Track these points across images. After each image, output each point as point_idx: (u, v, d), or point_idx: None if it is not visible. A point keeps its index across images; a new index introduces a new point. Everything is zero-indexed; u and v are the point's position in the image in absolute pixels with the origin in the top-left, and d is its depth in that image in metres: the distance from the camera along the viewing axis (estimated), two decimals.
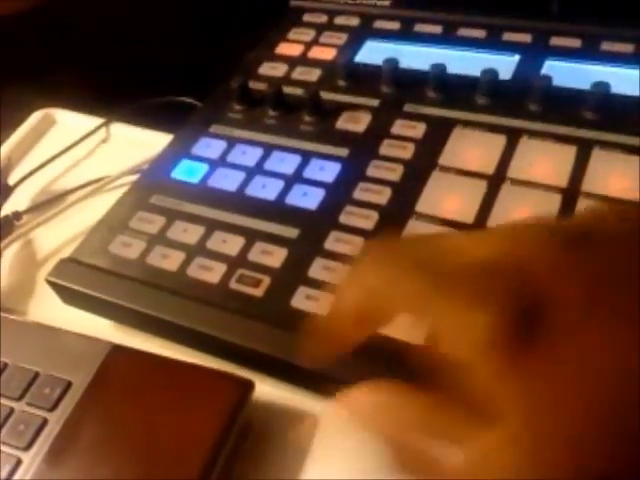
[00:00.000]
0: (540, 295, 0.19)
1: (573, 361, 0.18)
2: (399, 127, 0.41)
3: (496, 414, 0.19)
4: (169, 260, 0.37)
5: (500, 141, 0.39)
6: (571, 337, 0.18)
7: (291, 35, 0.51)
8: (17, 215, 0.48)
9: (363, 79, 0.45)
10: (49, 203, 0.49)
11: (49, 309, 0.40)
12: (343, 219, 0.37)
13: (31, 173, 0.50)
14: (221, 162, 0.42)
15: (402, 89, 0.44)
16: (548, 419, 0.18)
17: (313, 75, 0.47)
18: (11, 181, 0.49)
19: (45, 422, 0.33)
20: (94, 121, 0.54)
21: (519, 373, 0.18)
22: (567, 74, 0.42)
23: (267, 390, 0.34)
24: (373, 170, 0.39)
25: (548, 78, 0.40)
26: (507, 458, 0.18)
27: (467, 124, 0.40)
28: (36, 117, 0.56)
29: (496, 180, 0.37)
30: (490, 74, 0.41)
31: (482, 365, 0.19)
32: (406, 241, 0.24)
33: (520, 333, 0.18)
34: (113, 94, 0.56)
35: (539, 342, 0.18)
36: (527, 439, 0.18)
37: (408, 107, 0.42)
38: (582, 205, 0.34)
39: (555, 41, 0.45)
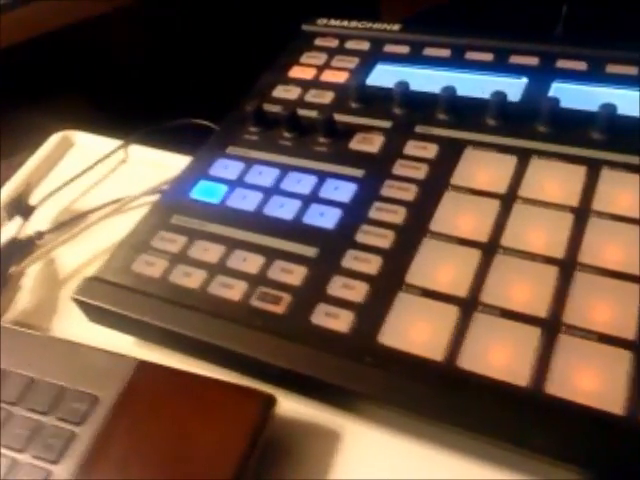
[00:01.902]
0: None
1: None
2: (411, 148, 0.43)
3: None
4: (191, 278, 0.38)
5: (511, 161, 0.40)
6: None
7: (303, 59, 0.53)
8: (39, 235, 0.49)
9: (375, 101, 0.47)
10: (70, 223, 0.50)
11: (71, 326, 0.42)
12: (360, 238, 0.38)
13: (52, 193, 0.51)
14: (239, 183, 0.43)
15: (413, 111, 0.45)
16: None
17: (326, 98, 0.48)
18: (32, 201, 0.50)
19: (74, 436, 0.34)
20: (112, 143, 0.56)
21: None
22: (574, 96, 0.43)
23: (288, 405, 0.35)
24: (388, 190, 0.40)
25: (556, 100, 0.41)
26: None
27: (478, 145, 0.42)
28: (55, 139, 0.58)
29: (508, 199, 0.38)
30: (499, 96, 0.42)
31: None
32: None
33: None
34: (129, 117, 0.57)
35: None
36: None
37: (420, 128, 0.44)
38: (593, 223, 0.36)
39: (561, 64, 0.46)
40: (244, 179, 0.44)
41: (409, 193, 0.40)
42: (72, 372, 0.37)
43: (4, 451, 0.34)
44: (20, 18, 0.65)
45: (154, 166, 0.53)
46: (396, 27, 0.53)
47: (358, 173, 0.42)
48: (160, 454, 0.33)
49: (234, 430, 0.33)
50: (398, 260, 0.36)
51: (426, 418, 0.31)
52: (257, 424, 0.33)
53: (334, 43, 0.54)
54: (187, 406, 0.35)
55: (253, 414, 0.33)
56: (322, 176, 0.42)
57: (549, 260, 0.35)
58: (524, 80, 0.46)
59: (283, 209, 0.41)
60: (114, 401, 0.35)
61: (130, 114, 0.57)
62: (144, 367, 0.37)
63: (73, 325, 0.41)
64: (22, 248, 0.48)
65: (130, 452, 0.33)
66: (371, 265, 0.37)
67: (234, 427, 0.33)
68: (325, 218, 0.40)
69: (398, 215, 0.39)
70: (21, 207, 0.50)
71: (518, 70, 0.47)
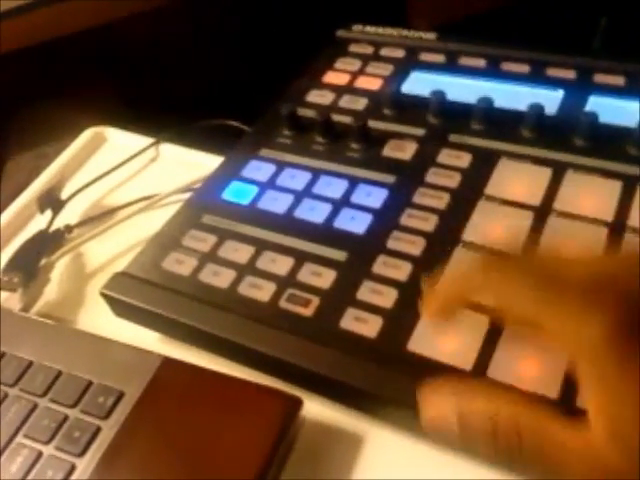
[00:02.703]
0: None
1: None
2: (445, 156, 0.43)
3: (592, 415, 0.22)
4: (220, 277, 0.38)
5: (546, 174, 0.40)
6: None
7: (338, 64, 0.53)
8: (68, 228, 0.49)
9: (409, 109, 0.47)
10: (100, 218, 0.50)
11: (98, 320, 0.42)
12: (390, 244, 0.38)
13: (83, 188, 0.52)
14: (270, 185, 0.44)
15: (448, 120, 0.45)
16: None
17: (360, 104, 0.48)
18: (63, 196, 0.51)
19: (98, 430, 0.34)
20: (144, 140, 0.56)
21: (623, 378, 0.21)
22: (611, 110, 0.43)
23: (313, 408, 0.35)
24: (420, 197, 0.40)
25: (594, 114, 0.41)
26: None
27: (513, 156, 0.41)
28: (87, 135, 0.58)
29: (542, 211, 0.38)
30: (536, 108, 0.42)
31: (591, 361, 0.22)
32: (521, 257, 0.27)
33: (629, 334, 0.21)
34: (161, 115, 0.58)
35: None
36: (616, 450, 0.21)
37: (454, 137, 0.44)
38: (628, 239, 0.35)
39: (598, 78, 0.46)
40: (276, 181, 0.44)
41: (441, 201, 0.40)
42: (99, 366, 0.37)
43: (30, 442, 0.35)
44: (57, 14, 0.66)
45: (185, 165, 0.53)
46: (431, 35, 0.53)
47: (390, 179, 0.42)
48: (182, 451, 0.33)
49: (258, 431, 0.33)
50: (429, 268, 0.36)
51: None
52: (282, 425, 0.33)
53: (369, 50, 0.54)
54: (211, 405, 0.35)
55: (278, 415, 0.33)
56: (354, 181, 0.42)
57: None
58: (560, 93, 0.45)
59: (314, 212, 0.41)
60: (138, 397, 0.35)
61: (162, 113, 0.58)
62: (169, 364, 0.37)
63: (99, 319, 0.41)
64: (52, 241, 0.49)
65: (152, 448, 0.34)
66: (401, 271, 0.36)
67: (258, 428, 0.33)
68: (356, 223, 0.40)
69: (430, 223, 0.39)
70: (52, 201, 0.50)
71: (555, 83, 0.46)
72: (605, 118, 0.41)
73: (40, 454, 0.34)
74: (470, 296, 0.27)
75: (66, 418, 0.35)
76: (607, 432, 0.22)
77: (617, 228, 0.36)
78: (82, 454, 0.34)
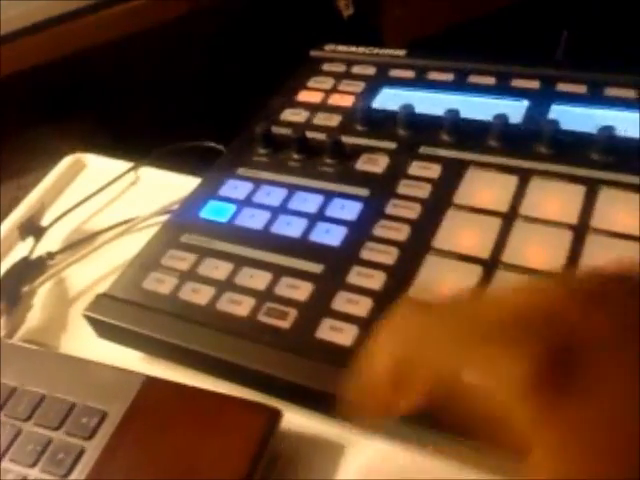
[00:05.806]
0: (571, 342, 0.20)
1: (605, 408, 0.19)
2: (416, 168, 0.44)
3: (533, 461, 0.20)
4: (200, 295, 0.39)
5: (512, 181, 0.41)
6: (603, 384, 0.20)
7: (311, 83, 0.54)
8: (50, 255, 0.50)
9: (380, 124, 0.48)
10: (81, 243, 0.51)
11: (81, 343, 0.42)
12: (365, 255, 0.39)
13: (63, 215, 0.53)
14: (247, 202, 0.44)
15: (417, 133, 0.46)
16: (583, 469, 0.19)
17: (333, 120, 0.50)
18: (44, 222, 0.52)
19: (83, 451, 0.35)
20: (122, 165, 0.57)
21: (555, 422, 0.20)
22: (573, 118, 0.44)
23: (293, 419, 0.36)
24: (392, 209, 0.41)
25: (556, 122, 0.42)
26: None
27: (480, 165, 0.43)
28: (67, 161, 0.59)
29: (509, 217, 0.39)
30: (501, 119, 0.43)
31: (519, 412, 0.20)
32: (431, 305, 0.25)
33: (554, 378, 0.20)
34: (139, 140, 0.59)
35: (573, 389, 0.20)
36: None
37: (424, 149, 0.45)
38: (591, 240, 0.36)
39: (561, 87, 0.48)
40: (252, 199, 0.45)
41: (413, 212, 0.41)
42: (81, 388, 0.38)
43: (15, 467, 0.35)
44: (34, 43, 0.67)
45: (163, 187, 0.54)
46: (401, 52, 0.55)
47: (364, 192, 0.43)
48: (166, 468, 0.34)
49: (240, 444, 0.34)
50: (402, 276, 0.37)
51: (430, 430, 0.32)
52: (263, 438, 0.34)
53: (341, 68, 0.55)
54: (193, 421, 0.35)
55: (259, 428, 0.34)
56: (329, 195, 0.43)
57: (549, 276, 0.35)
58: (525, 103, 0.47)
59: (290, 227, 0.42)
60: (121, 416, 0.36)
61: (139, 137, 0.59)
62: (151, 382, 0.37)
63: (82, 342, 0.42)
64: (34, 268, 0.49)
65: (136, 466, 0.34)
66: (375, 281, 0.37)
67: (240, 441, 0.34)
68: (331, 235, 0.41)
69: (402, 232, 0.40)
70: (33, 228, 0.51)
71: (519, 93, 0.48)
72: (568, 125, 0.43)
73: (26, 478, 0.34)
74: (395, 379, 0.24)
75: (50, 441, 0.36)
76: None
77: (581, 230, 0.37)
78: (67, 475, 0.34)
